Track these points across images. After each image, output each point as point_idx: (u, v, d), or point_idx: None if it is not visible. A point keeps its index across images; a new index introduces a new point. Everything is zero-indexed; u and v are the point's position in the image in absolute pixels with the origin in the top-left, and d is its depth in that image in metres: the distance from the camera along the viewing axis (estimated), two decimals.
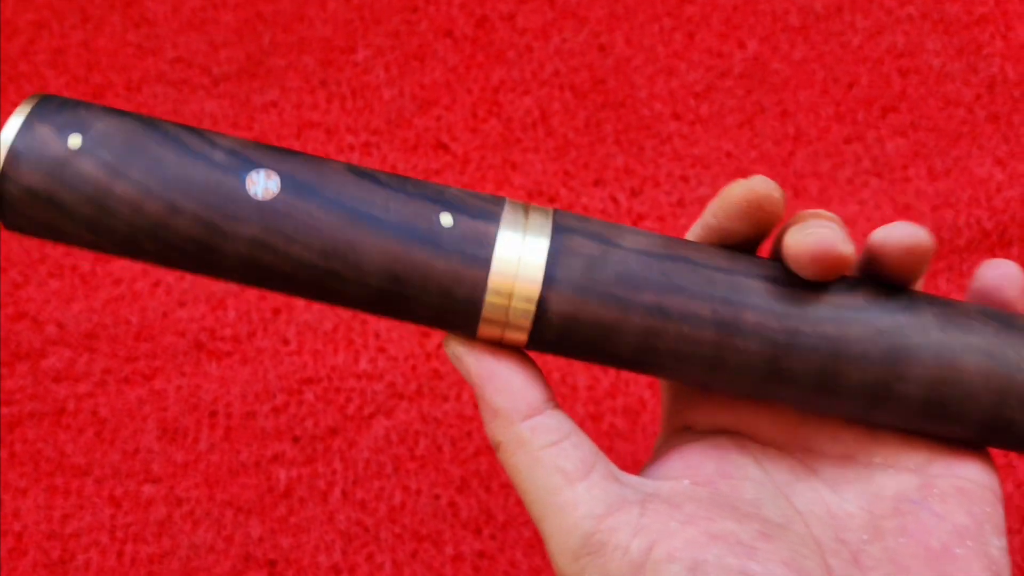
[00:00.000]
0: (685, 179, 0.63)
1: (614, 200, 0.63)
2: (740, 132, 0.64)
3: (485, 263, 0.26)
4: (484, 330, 0.26)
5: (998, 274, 0.29)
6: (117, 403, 0.58)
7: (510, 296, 0.26)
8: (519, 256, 0.26)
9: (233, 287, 0.61)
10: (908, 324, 0.26)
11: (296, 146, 0.66)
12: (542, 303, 0.26)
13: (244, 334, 0.59)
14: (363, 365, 0.59)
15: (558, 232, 0.26)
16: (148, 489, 0.56)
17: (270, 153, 0.27)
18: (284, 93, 0.69)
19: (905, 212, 0.60)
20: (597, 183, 0.63)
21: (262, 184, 0.26)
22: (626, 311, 0.26)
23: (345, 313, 0.60)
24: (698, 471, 0.27)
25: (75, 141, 0.26)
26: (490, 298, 0.26)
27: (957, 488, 0.26)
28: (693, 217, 0.61)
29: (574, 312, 0.26)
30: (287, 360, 0.59)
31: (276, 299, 0.60)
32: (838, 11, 0.68)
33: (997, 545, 0.25)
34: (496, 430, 0.27)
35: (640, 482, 0.27)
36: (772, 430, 0.29)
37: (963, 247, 0.59)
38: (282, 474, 0.56)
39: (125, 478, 0.56)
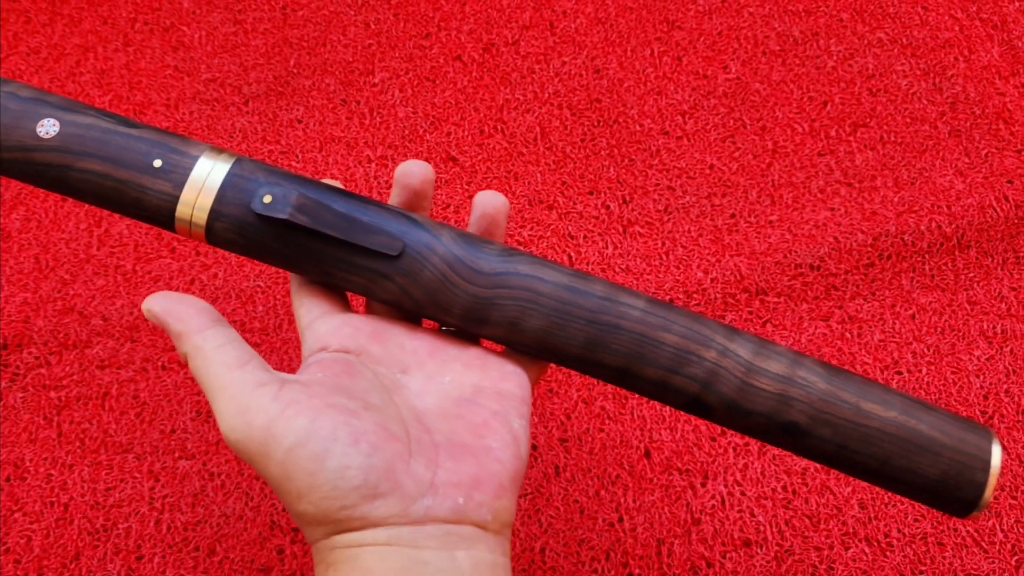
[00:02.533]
0: (671, 189, 0.69)
1: (607, 208, 0.69)
2: (723, 146, 0.70)
3: (180, 186, 0.40)
4: (178, 226, 0.40)
5: (491, 202, 0.42)
6: (156, 388, 0.64)
7: (192, 206, 0.39)
8: (202, 183, 0.39)
9: (262, 284, 0.67)
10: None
11: (319, 159, 0.73)
12: (212, 213, 0.39)
13: (272, 326, 0.66)
14: None
15: (232, 170, 0.40)
16: (184, 464, 0.62)
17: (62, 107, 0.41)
18: (308, 111, 0.75)
19: (872, 218, 0.66)
20: (592, 192, 0.70)
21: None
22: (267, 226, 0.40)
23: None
24: (328, 370, 0.38)
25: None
26: (180, 207, 0.39)
27: (496, 392, 0.40)
28: (678, 224, 0.67)
29: (236, 225, 0.39)
30: None
31: None
32: (814, 36, 0.74)
33: (518, 423, 0.39)
34: (181, 347, 0.38)
35: (284, 375, 0.37)
36: (381, 353, 0.40)
37: (925, 250, 0.65)
38: None
39: (163, 455, 0.62)
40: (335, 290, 0.43)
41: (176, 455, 0.62)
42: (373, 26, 0.79)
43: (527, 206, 0.69)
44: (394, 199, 0.43)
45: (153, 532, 0.60)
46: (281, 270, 0.61)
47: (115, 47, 0.80)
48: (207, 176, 0.40)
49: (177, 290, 0.67)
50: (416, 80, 0.76)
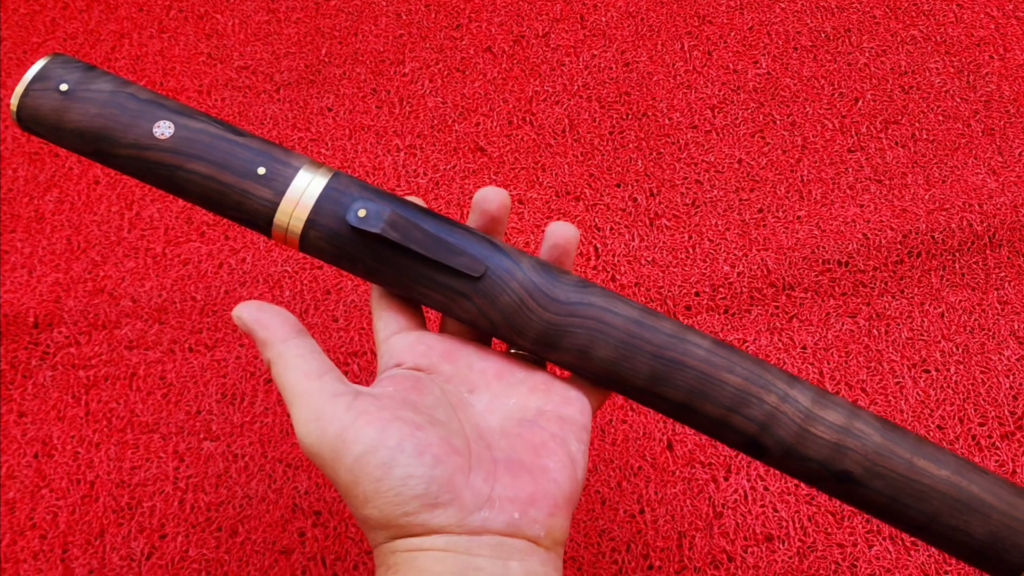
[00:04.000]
0: (699, 183, 0.69)
1: (634, 200, 0.69)
2: (751, 141, 0.70)
3: (280, 194, 0.42)
4: (275, 231, 0.42)
5: (563, 234, 0.44)
6: (183, 369, 0.65)
7: (290, 215, 0.42)
8: (301, 194, 0.42)
9: (289, 270, 0.68)
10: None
11: (348, 147, 0.73)
12: (308, 223, 0.41)
13: (298, 311, 0.66)
14: None
15: (330, 183, 0.42)
16: (208, 446, 0.62)
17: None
18: (339, 99, 0.76)
19: (902, 215, 0.66)
20: (619, 185, 0.69)
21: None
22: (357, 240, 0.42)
23: None
24: (398, 385, 0.40)
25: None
26: (279, 215, 0.42)
27: (558, 416, 0.41)
28: (705, 217, 0.67)
29: (329, 235, 0.42)
30: (336, 335, 0.65)
31: (327, 280, 0.67)
32: (846, 32, 0.74)
33: (575, 447, 0.40)
34: (265, 353, 0.40)
35: (359, 387, 0.40)
36: (451, 372, 0.42)
37: (955, 248, 0.64)
38: None
39: (188, 435, 0.63)
40: (413, 305, 0.45)
41: (201, 436, 0.63)
42: (404, 16, 0.79)
43: (554, 197, 0.69)
44: (471, 223, 0.45)
45: (177, 511, 0.60)
46: (315, 260, 0.61)
47: (150, 34, 0.81)
48: (306, 187, 0.42)
49: (205, 274, 0.68)
50: (446, 71, 0.76)
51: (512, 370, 0.44)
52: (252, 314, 0.41)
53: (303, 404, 0.38)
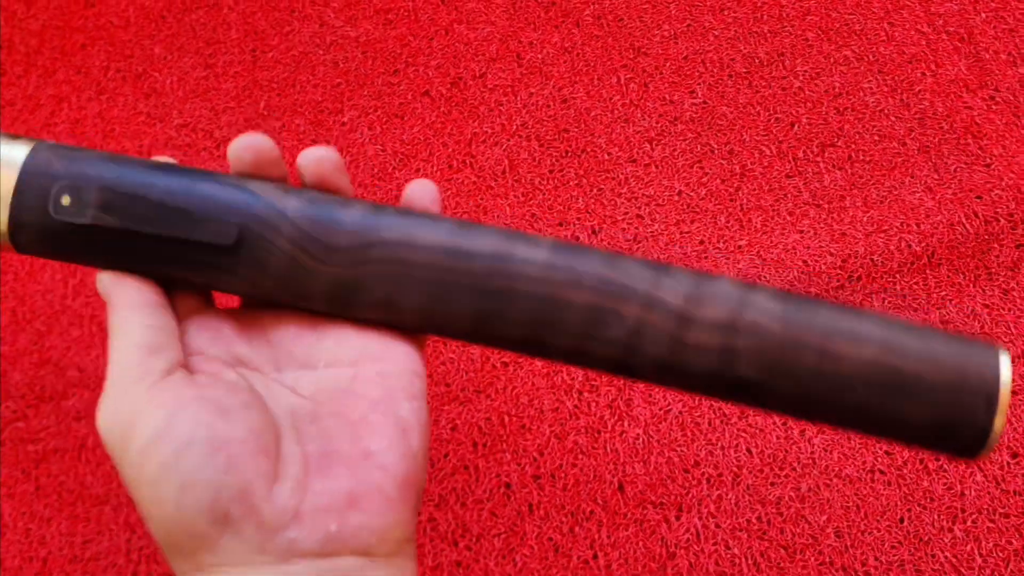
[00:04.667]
0: (640, 217, 0.69)
1: (576, 239, 0.69)
2: (691, 172, 0.70)
3: None
4: None
5: (419, 189, 0.37)
6: None
7: None
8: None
9: None
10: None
11: None
12: (14, 224, 0.34)
13: None
14: None
15: (27, 165, 0.34)
16: None
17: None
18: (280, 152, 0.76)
19: (841, 239, 0.66)
20: (561, 224, 0.70)
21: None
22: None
23: None
24: (213, 367, 0.34)
25: None
26: None
27: (377, 372, 0.34)
28: (647, 253, 0.67)
29: (41, 235, 0.34)
30: None
31: None
32: (780, 57, 0.74)
33: (407, 407, 0.33)
34: (109, 318, 0.34)
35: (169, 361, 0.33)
36: (250, 354, 0.35)
37: (895, 270, 0.64)
38: None
39: None
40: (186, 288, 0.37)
41: None
42: (342, 64, 0.79)
43: None
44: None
45: None
46: None
47: (88, 96, 0.81)
48: None
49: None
50: (385, 117, 0.76)
51: (314, 325, 0.36)
52: (114, 277, 0.35)
53: (112, 378, 0.32)
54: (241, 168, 0.36)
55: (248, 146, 0.36)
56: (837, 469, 0.59)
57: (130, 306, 0.34)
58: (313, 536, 0.30)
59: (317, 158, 0.36)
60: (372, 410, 0.33)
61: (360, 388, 0.34)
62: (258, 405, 0.33)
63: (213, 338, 0.35)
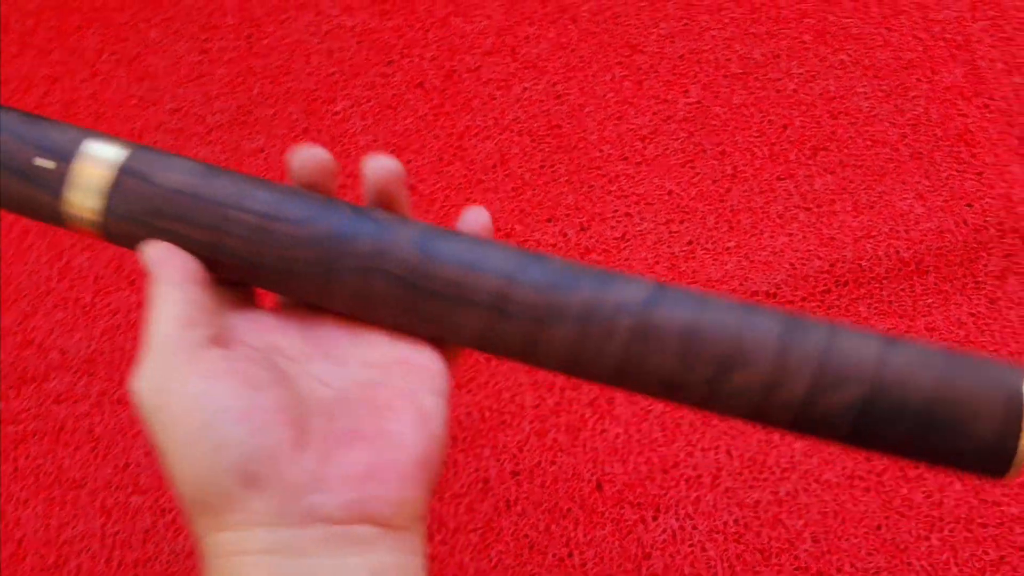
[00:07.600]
0: (629, 215, 0.68)
1: (564, 235, 0.68)
2: (682, 171, 0.70)
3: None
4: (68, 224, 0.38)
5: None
6: (111, 422, 0.64)
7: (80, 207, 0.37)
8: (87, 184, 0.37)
9: None
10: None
11: None
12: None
13: None
14: None
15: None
16: (136, 500, 0.62)
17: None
18: (270, 140, 0.75)
19: (829, 244, 0.65)
20: (550, 220, 0.69)
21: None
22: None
23: None
24: (247, 350, 0.35)
25: None
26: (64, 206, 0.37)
27: (404, 369, 0.36)
28: (635, 251, 0.67)
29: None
30: None
31: None
32: (776, 58, 0.74)
33: (430, 401, 0.35)
34: (153, 291, 0.35)
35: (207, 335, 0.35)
36: (284, 342, 0.37)
37: (883, 275, 0.64)
38: None
39: (116, 490, 0.62)
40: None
41: (129, 490, 0.62)
42: (336, 54, 0.79)
43: None
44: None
45: (104, 569, 0.59)
46: None
47: (82, 77, 0.81)
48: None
49: (134, 324, 0.67)
50: (378, 108, 0.76)
51: (353, 332, 0.38)
52: (160, 253, 0.36)
53: (151, 348, 0.34)
54: (302, 177, 0.39)
55: (311, 156, 0.38)
56: (816, 474, 0.58)
57: (176, 280, 0.36)
58: (333, 502, 0.32)
59: (384, 167, 0.38)
60: (396, 397, 0.35)
61: (388, 380, 0.36)
62: (288, 384, 0.35)
63: (251, 327, 0.37)
